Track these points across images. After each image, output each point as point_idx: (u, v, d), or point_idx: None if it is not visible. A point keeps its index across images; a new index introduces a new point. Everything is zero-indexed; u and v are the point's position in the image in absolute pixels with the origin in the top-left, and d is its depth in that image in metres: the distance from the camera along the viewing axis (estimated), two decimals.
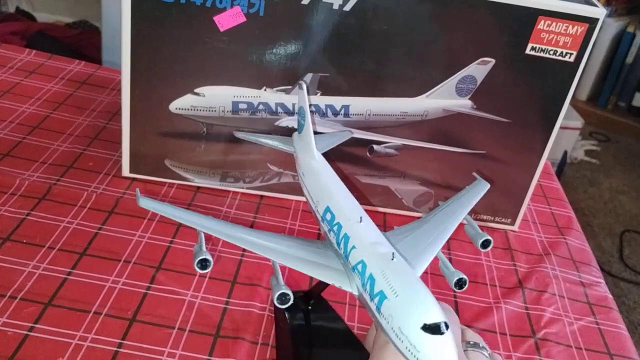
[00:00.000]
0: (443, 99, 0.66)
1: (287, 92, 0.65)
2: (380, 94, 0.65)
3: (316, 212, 0.49)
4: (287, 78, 0.64)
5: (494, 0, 0.59)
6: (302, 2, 0.59)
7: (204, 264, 0.44)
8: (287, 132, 0.67)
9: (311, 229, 0.70)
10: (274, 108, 0.66)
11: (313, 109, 0.66)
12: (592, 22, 0.60)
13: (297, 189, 0.72)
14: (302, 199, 0.73)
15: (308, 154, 0.56)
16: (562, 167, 2.44)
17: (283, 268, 0.63)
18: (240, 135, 0.67)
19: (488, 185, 0.56)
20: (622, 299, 1.92)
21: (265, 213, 0.71)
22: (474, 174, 0.58)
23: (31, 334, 0.50)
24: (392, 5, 0.60)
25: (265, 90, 0.65)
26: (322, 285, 0.51)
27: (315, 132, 0.65)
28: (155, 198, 0.47)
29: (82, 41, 2.09)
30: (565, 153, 2.43)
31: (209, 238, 0.64)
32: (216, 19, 0.60)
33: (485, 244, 0.51)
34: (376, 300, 0.38)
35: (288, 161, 0.70)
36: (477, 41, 0.63)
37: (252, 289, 0.60)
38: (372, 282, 0.39)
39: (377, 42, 0.62)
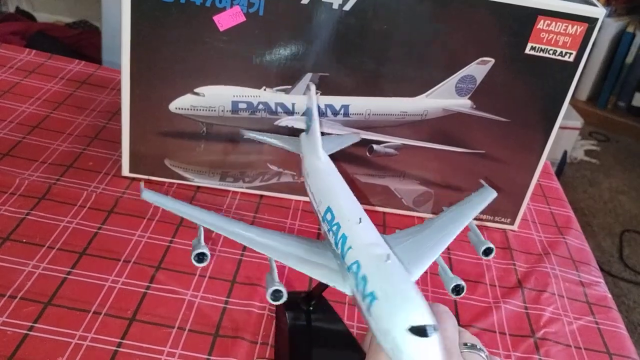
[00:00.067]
0: (443, 98, 0.66)
1: (286, 91, 0.65)
2: (380, 93, 0.65)
3: (318, 212, 0.49)
4: (287, 78, 0.64)
5: (494, 0, 0.59)
6: (302, 2, 0.59)
7: (201, 257, 0.45)
8: (287, 131, 0.67)
9: (311, 229, 0.70)
10: (273, 108, 0.66)
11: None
12: (591, 21, 0.60)
13: (296, 189, 0.72)
14: (302, 198, 0.73)
15: (314, 154, 0.56)
16: (562, 167, 2.44)
17: (283, 267, 0.63)
18: (249, 134, 0.67)
19: (495, 193, 0.56)
20: (622, 299, 1.92)
21: (265, 212, 0.71)
22: (481, 181, 0.58)
23: (31, 333, 0.50)
24: (392, 4, 0.60)
25: (264, 90, 0.65)
26: (323, 286, 0.51)
27: (324, 134, 0.66)
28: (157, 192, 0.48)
29: (82, 41, 2.09)
30: (565, 153, 2.43)
31: (208, 237, 0.64)
32: (216, 18, 0.60)
33: (487, 251, 0.52)
34: (367, 300, 0.38)
35: (288, 161, 0.70)
36: (477, 41, 0.63)
37: (252, 288, 0.60)
38: (365, 282, 0.39)
39: (377, 42, 0.62)
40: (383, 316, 0.36)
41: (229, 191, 0.73)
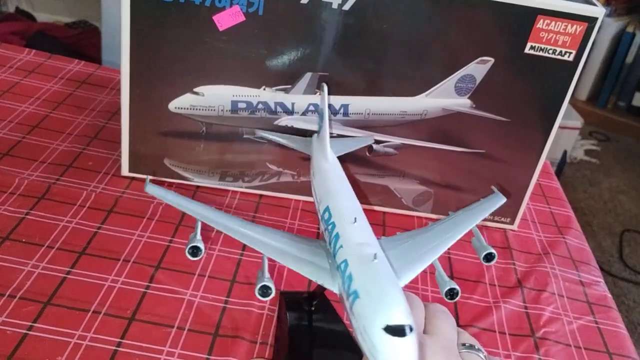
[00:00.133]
0: (442, 98, 0.66)
1: (286, 91, 0.65)
2: (379, 93, 0.65)
3: (318, 211, 0.50)
4: (286, 77, 0.64)
5: None
6: (302, 2, 0.59)
7: (195, 251, 0.46)
8: (287, 131, 0.67)
9: (310, 228, 0.70)
10: (273, 107, 0.66)
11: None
12: (591, 21, 0.60)
13: (296, 188, 0.72)
14: (301, 198, 0.73)
15: (322, 155, 0.56)
16: (562, 167, 2.44)
17: (283, 268, 0.63)
18: (261, 133, 0.67)
19: (504, 199, 0.56)
20: (622, 299, 1.92)
21: (265, 212, 0.71)
22: (493, 187, 0.59)
23: (30, 332, 0.50)
24: (392, 4, 0.60)
25: (264, 89, 0.65)
26: (322, 286, 0.51)
27: (341, 136, 0.66)
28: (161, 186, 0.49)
29: (81, 41, 2.09)
30: (565, 153, 2.43)
31: (208, 237, 0.64)
32: (215, 18, 0.60)
33: (489, 257, 0.52)
34: (350, 299, 0.38)
35: (287, 160, 0.70)
36: (477, 40, 0.63)
37: (251, 288, 0.59)
38: (350, 281, 0.39)
39: (377, 41, 0.62)
40: (362, 314, 0.36)
41: (228, 191, 0.73)
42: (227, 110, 0.66)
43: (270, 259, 0.46)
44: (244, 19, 0.61)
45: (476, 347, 0.41)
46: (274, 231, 0.48)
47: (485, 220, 0.75)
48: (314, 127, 0.66)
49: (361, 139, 0.67)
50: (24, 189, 0.65)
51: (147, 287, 0.57)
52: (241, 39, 0.62)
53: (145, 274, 0.58)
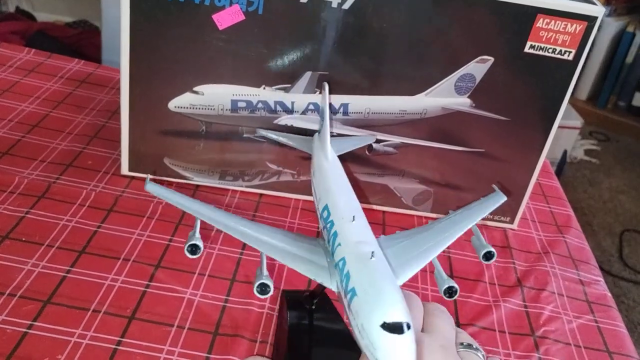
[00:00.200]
0: (442, 97, 0.66)
1: (286, 90, 0.65)
2: (379, 92, 0.65)
3: (317, 209, 0.50)
4: (286, 76, 0.64)
5: None
6: (301, 1, 0.59)
7: (193, 249, 0.46)
8: (287, 130, 0.67)
9: (310, 227, 0.70)
10: (272, 106, 0.66)
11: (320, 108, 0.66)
12: (590, 20, 0.60)
13: (296, 188, 0.72)
14: (301, 197, 0.73)
15: (323, 154, 0.57)
16: (562, 167, 2.44)
17: (283, 267, 0.63)
18: (262, 132, 0.67)
19: (504, 198, 0.56)
20: (622, 298, 1.92)
21: (265, 211, 0.71)
22: (494, 186, 0.59)
23: (30, 331, 0.51)
24: (391, 3, 0.60)
25: (264, 88, 0.65)
26: (322, 285, 0.51)
27: (341, 135, 0.66)
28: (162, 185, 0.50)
29: (82, 41, 2.09)
30: (565, 152, 2.43)
31: (207, 236, 0.64)
32: (215, 17, 0.60)
33: (488, 255, 0.52)
34: (348, 297, 0.38)
35: (287, 160, 0.70)
36: (476, 39, 0.63)
37: (251, 287, 0.59)
38: (348, 279, 0.39)
39: (376, 41, 0.62)
40: (360, 312, 0.36)
41: (228, 190, 0.73)
42: (226, 110, 0.66)
43: (269, 258, 0.46)
44: (244, 18, 0.61)
45: (474, 347, 0.41)
46: (272, 229, 0.48)
47: (485, 219, 0.75)
48: (314, 126, 0.66)
49: (362, 138, 0.67)
50: (24, 188, 0.65)
51: (147, 286, 0.57)
52: (241, 38, 0.62)
53: (145, 273, 0.58)
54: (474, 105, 0.66)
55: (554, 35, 0.61)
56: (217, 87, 0.65)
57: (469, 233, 0.56)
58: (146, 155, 0.69)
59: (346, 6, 0.60)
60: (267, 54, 0.63)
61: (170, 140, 0.68)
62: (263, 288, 0.44)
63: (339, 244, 0.43)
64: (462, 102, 0.66)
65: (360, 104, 0.66)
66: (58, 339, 0.50)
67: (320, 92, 0.65)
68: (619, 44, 2.82)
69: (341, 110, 0.66)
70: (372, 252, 0.40)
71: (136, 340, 0.52)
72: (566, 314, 0.65)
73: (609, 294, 0.69)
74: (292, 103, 0.66)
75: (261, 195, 0.73)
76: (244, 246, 0.64)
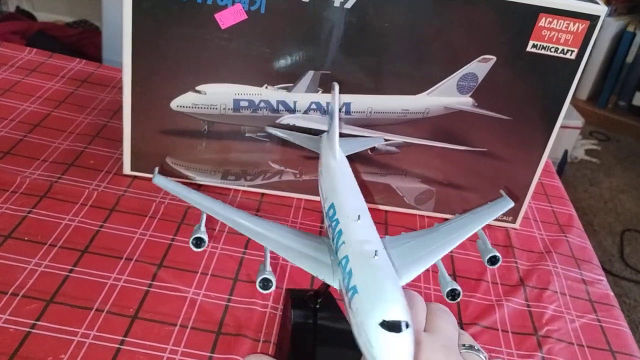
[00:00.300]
0: (444, 96, 0.66)
1: (288, 89, 0.65)
2: (381, 91, 0.65)
3: (323, 208, 0.50)
4: (288, 76, 0.64)
5: None
6: (304, 0, 0.59)
7: (198, 242, 0.48)
8: (289, 130, 0.67)
9: (312, 227, 0.70)
10: (275, 106, 0.66)
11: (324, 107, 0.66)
12: (593, 19, 0.60)
13: (298, 187, 0.72)
14: (303, 196, 0.73)
15: (330, 154, 0.57)
16: (563, 166, 2.44)
17: (286, 265, 0.63)
18: (271, 130, 0.67)
19: (512, 204, 0.56)
20: (623, 298, 1.92)
21: (267, 210, 0.71)
22: (501, 191, 0.59)
23: (33, 331, 0.50)
24: (393, 2, 0.60)
25: (266, 88, 0.65)
26: (327, 284, 0.51)
27: (343, 134, 0.66)
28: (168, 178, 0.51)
29: (82, 40, 2.09)
30: (566, 152, 2.43)
31: (211, 235, 0.64)
32: (217, 16, 0.60)
33: (493, 260, 0.52)
34: (349, 294, 0.38)
35: (289, 159, 0.70)
36: (478, 38, 0.63)
37: (254, 286, 0.59)
38: (350, 276, 0.39)
39: (378, 40, 0.62)
40: (360, 309, 0.36)
41: (230, 189, 0.73)
42: (229, 109, 0.66)
43: (273, 255, 0.46)
44: (246, 17, 0.61)
45: (476, 348, 0.41)
46: (278, 226, 0.48)
47: None
48: (316, 126, 0.66)
49: (371, 139, 0.67)
50: (26, 188, 0.65)
51: (150, 286, 0.57)
52: (243, 38, 0.62)
53: (148, 272, 0.58)
54: (476, 104, 0.66)
55: (557, 34, 0.61)
56: (219, 86, 0.65)
57: (474, 236, 0.56)
58: (148, 155, 0.69)
59: (348, 5, 0.60)
60: (269, 53, 0.63)
61: (172, 139, 0.68)
62: (265, 283, 0.44)
63: (343, 242, 0.43)
64: (465, 102, 0.66)
65: (363, 103, 0.66)
66: (61, 338, 0.50)
67: (322, 92, 0.64)
68: (619, 43, 2.83)
69: (343, 109, 0.66)
70: (375, 251, 0.40)
71: (139, 339, 0.52)
72: (569, 313, 0.64)
73: (612, 293, 0.69)
74: (295, 102, 0.66)
75: (263, 194, 0.73)
76: (247, 245, 0.64)
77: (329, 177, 0.53)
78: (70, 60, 0.93)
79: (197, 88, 0.65)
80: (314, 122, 0.66)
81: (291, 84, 0.65)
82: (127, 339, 0.52)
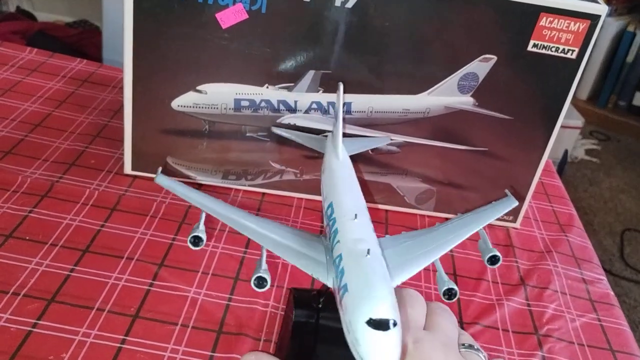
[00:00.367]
0: (445, 96, 0.66)
1: (289, 89, 0.65)
2: (382, 91, 0.65)
3: (323, 207, 0.50)
4: (289, 75, 0.64)
5: None
6: None
7: (196, 240, 0.49)
8: (290, 129, 0.67)
9: (313, 226, 0.70)
10: (276, 105, 0.66)
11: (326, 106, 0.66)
12: (594, 18, 0.60)
13: (298, 187, 0.72)
14: (304, 196, 0.73)
15: (334, 153, 0.57)
16: (563, 166, 2.44)
17: (286, 264, 0.63)
18: (277, 130, 0.67)
19: (516, 203, 0.56)
20: (623, 298, 1.92)
21: (267, 210, 0.71)
22: (506, 191, 0.59)
23: (34, 330, 0.51)
24: (394, 2, 0.60)
25: (267, 87, 0.65)
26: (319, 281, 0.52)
27: (356, 135, 0.66)
28: (172, 178, 0.52)
29: (82, 40, 2.10)
30: (566, 152, 2.43)
31: (211, 235, 0.64)
32: (218, 16, 0.60)
33: (493, 260, 0.52)
34: (340, 292, 0.38)
35: (290, 159, 0.70)
36: (479, 38, 0.63)
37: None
38: (342, 275, 0.40)
39: (379, 39, 0.62)
40: (349, 307, 0.36)
41: (231, 189, 0.73)
42: (230, 109, 0.66)
43: (273, 254, 0.46)
44: (247, 16, 0.61)
45: (475, 348, 0.41)
46: (276, 225, 0.49)
47: None
48: (317, 125, 0.66)
49: (377, 139, 0.67)
50: (27, 187, 0.65)
51: (151, 285, 0.57)
52: (244, 37, 0.62)
53: (149, 272, 0.58)
54: (477, 104, 0.66)
55: (557, 33, 0.61)
56: (220, 86, 0.65)
57: (475, 235, 0.56)
58: (149, 155, 0.69)
59: (349, 5, 0.60)
60: (270, 52, 0.63)
61: (173, 139, 0.68)
62: (260, 281, 0.44)
63: (338, 241, 0.43)
64: (465, 101, 0.66)
65: (363, 102, 0.66)
66: (62, 337, 0.50)
67: (323, 91, 0.65)
68: (619, 43, 2.83)
69: (344, 109, 0.66)
70: (368, 250, 0.40)
71: (140, 338, 0.52)
72: (569, 312, 0.65)
73: (612, 293, 0.69)
74: (295, 102, 0.66)
75: (264, 194, 0.73)
76: (248, 245, 0.64)
77: (330, 176, 0.54)
78: (71, 60, 0.93)
79: (198, 88, 0.65)
80: (314, 121, 0.66)
81: (292, 84, 0.65)
82: (128, 338, 0.52)
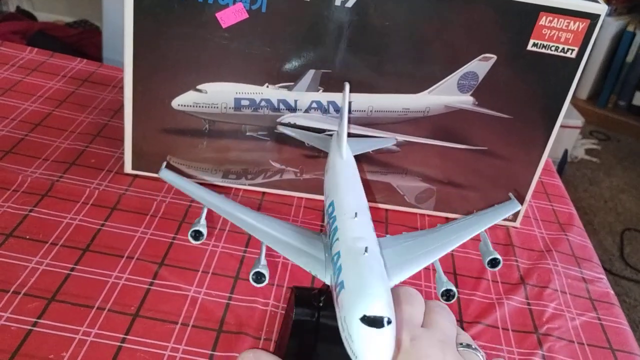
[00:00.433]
0: (445, 95, 0.66)
1: (289, 88, 0.65)
2: (382, 90, 0.65)
3: (325, 205, 0.50)
4: (289, 74, 0.64)
5: None
6: None
7: (196, 234, 0.50)
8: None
9: (313, 225, 0.70)
10: (276, 105, 0.66)
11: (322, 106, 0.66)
12: (593, 18, 0.60)
13: (299, 186, 0.73)
14: (304, 195, 0.73)
15: (338, 153, 0.57)
16: (563, 166, 2.44)
17: (287, 263, 0.63)
18: (282, 129, 0.67)
19: (519, 207, 0.57)
20: (623, 297, 1.92)
21: (268, 209, 0.71)
22: (510, 194, 0.59)
23: (35, 329, 0.51)
24: (394, 1, 0.60)
25: (267, 86, 0.65)
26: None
27: (361, 135, 0.66)
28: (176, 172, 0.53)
29: (82, 40, 2.10)
30: (566, 152, 2.43)
31: (212, 234, 0.64)
32: (218, 15, 0.61)
33: (494, 262, 0.52)
34: (337, 289, 0.39)
35: (290, 158, 0.70)
36: (479, 37, 0.63)
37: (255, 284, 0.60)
38: (339, 272, 0.40)
39: (379, 39, 0.62)
40: (344, 304, 0.37)
41: (231, 188, 0.73)
42: (230, 108, 0.66)
43: (274, 253, 0.46)
44: (247, 16, 0.61)
45: (473, 347, 0.41)
46: (277, 221, 0.49)
47: None
48: (317, 125, 0.67)
49: (382, 140, 0.68)
50: (28, 186, 0.65)
51: (151, 284, 0.57)
52: (244, 37, 0.62)
53: (149, 271, 0.59)
54: (476, 103, 0.66)
55: (557, 33, 0.61)
56: (220, 85, 0.65)
57: (476, 236, 0.56)
58: (149, 154, 0.69)
59: (349, 4, 0.60)
60: (270, 52, 0.63)
61: (173, 138, 0.68)
62: (258, 277, 0.45)
63: (337, 239, 0.43)
64: (465, 100, 0.66)
65: (363, 101, 0.66)
66: (62, 336, 0.51)
67: (323, 90, 0.65)
68: (619, 43, 2.83)
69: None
70: (366, 248, 0.40)
71: (140, 337, 0.52)
72: (569, 311, 0.65)
73: (612, 292, 0.69)
74: (295, 101, 0.66)
75: (264, 193, 0.73)
76: (248, 244, 0.64)
77: (333, 175, 0.54)
78: (71, 59, 0.94)
79: (198, 87, 0.65)
80: (315, 120, 0.66)
81: (292, 83, 0.65)
82: (128, 337, 0.52)
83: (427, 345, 0.38)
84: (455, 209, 0.74)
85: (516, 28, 0.61)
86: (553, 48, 0.62)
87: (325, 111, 0.66)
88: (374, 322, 0.34)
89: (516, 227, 0.76)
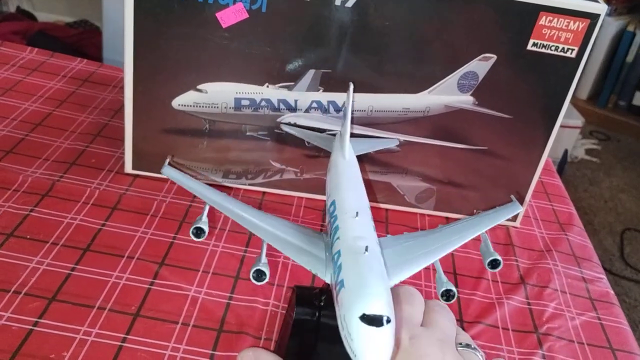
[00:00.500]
0: (445, 95, 0.66)
1: (289, 88, 0.65)
2: (382, 90, 0.66)
3: (326, 205, 0.50)
4: (290, 74, 0.64)
5: None
6: None
7: (198, 232, 0.50)
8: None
9: (314, 225, 0.70)
10: (276, 104, 0.66)
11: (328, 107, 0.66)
12: (593, 17, 0.61)
13: (299, 186, 0.73)
14: (304, 195, 0.73)
15: (340, 152, 0.57)
16: (563, 166, 2.44)
17: (287, 261, 0.63)
18: (285, 128, 0.67)
19: (520, 209, 0.57)
20: (623, 297, 1.92)
21: (268, 209, 0.71)
22: (512, 196, 0.59)
23: (35, 328, 0.51)
24: (394, 1, 0.60)
25: (267, 86, 0.65)
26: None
27: (370, 136, 0.67)
28: (179, 170, 0.53)
29: (82, 40, 2.10)
30: (566, 152, 2.43)
31: (212, 233, 0.64)
32: (219, 15, 0.61)
33: (494, 263, 0.52)
34: (337, 288, 0.39)
35: (290, 158, 0.70)
36: (479, 37, 0.63)
37: (256, 284, 0.60)
38: (339, 271, 0.40)
39: (379, 39, 0.63)
40: (344, 303, 0.37)
41: (232, 188, 0.73)
42: (230, 108, 0.66)
43: (274, 252, 0.47)
44: (247, 16, 0.61)
45: (472, 347, 0.41)
46: (278, 220, 0.49)
47: None
48: (317, 124, 0.67)
49: (385, 140, 0.68)
50: (28, 186, 0.65)
51: (152, 284, 0.57)
52: (244, 36, 0.62)
53: (150, 271, 0.59)
54: (476, 103, 0.66)
55: (557, 32, 0.62)
56: (220, 85, 0.65)
57: (477, 236, 0.56)
58: (150, 154, 0.70)
59: (349, 4, 0.60)
60: (270, 52, 0.63)
61: (173, 138, 0.68)
62: (259, 274, 0.45)
63: (338, 238, 0.43)
64: (465, 100, 0.66)
65: (364, 101, 0.66)
66: (63, 336, 0.51)
67: (323, 90, 0.65)
68: (619, 43, 2.83)
69: (346, 108, 0.66)
70: (366, 247, 0.40)
71: (141, 337, 0.52)
72: (569, 311, 0.65)
73: (612, 291, 0.69)
74: (296, 101, 0.66)
75: (264, 193, 0.73)
76: (248, 244, 0.64)
77: (335, 175, 0.54)
78: (71, 59, 0.94)
79: (199, 87, 0.65)
80: (315, 120, 0.67)
81: (292, 83, 0.65)
82: (128, 336, 0.52)
83: (426, 345, 0.38)
84: (455, 208, 0.74)
85: (516, 28, 0.62)
86: (553, 48, 0.62)
87: (325, 111, 0.66)
88: (373, 320, 0.34)
89: (516, 227, 0.76)
